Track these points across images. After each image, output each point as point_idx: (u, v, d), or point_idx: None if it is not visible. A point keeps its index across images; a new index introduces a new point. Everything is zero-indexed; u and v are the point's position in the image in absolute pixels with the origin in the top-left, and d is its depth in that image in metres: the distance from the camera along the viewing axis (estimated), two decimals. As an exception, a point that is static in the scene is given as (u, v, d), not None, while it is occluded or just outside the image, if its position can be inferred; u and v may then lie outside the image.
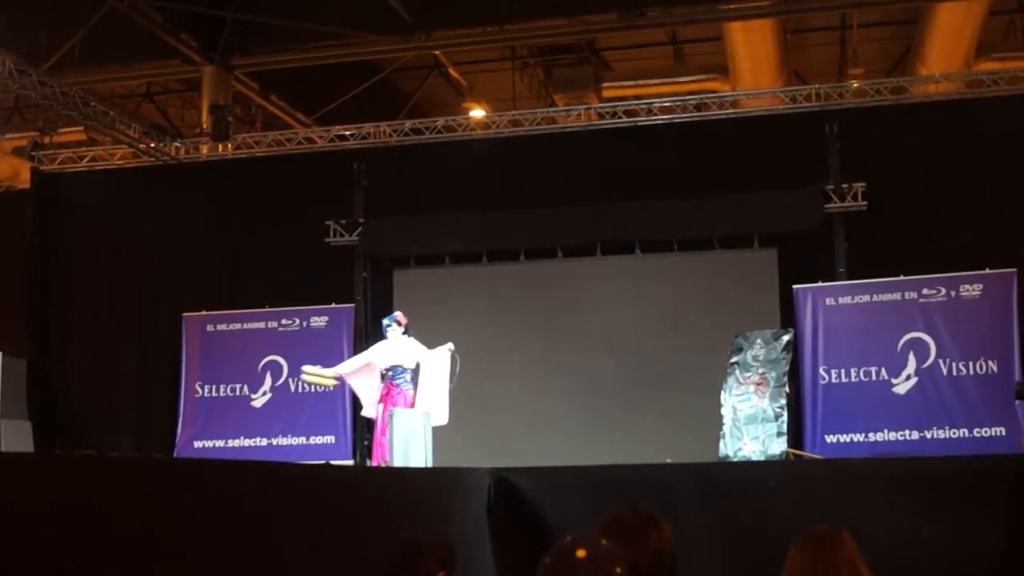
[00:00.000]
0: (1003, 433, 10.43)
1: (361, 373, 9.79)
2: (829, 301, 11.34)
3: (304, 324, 12.59)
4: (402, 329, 9.67)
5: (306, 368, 10.14)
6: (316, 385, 10.85)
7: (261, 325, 12.71)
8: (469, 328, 12.64)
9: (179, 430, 12.63)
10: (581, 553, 2.12)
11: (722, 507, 5.98)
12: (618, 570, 2.10)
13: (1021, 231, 11.28)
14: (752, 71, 13.89)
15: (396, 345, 9.65)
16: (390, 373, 9.60)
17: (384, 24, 12.82)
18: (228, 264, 13.28)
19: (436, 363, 9.56)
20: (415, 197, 12.82)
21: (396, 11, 12.50)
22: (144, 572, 3.49)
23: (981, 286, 10.94)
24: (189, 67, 14.05)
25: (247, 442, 12.49)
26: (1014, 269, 10.90)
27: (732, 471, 7.84)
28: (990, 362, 10.77)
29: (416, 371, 9.63)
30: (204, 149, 13.95)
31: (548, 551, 2.15)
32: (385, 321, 9.87)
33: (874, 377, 11.06)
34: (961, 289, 10.97)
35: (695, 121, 12.57)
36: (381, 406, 9.48)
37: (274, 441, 12.44)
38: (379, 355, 9.73)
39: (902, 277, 11.19)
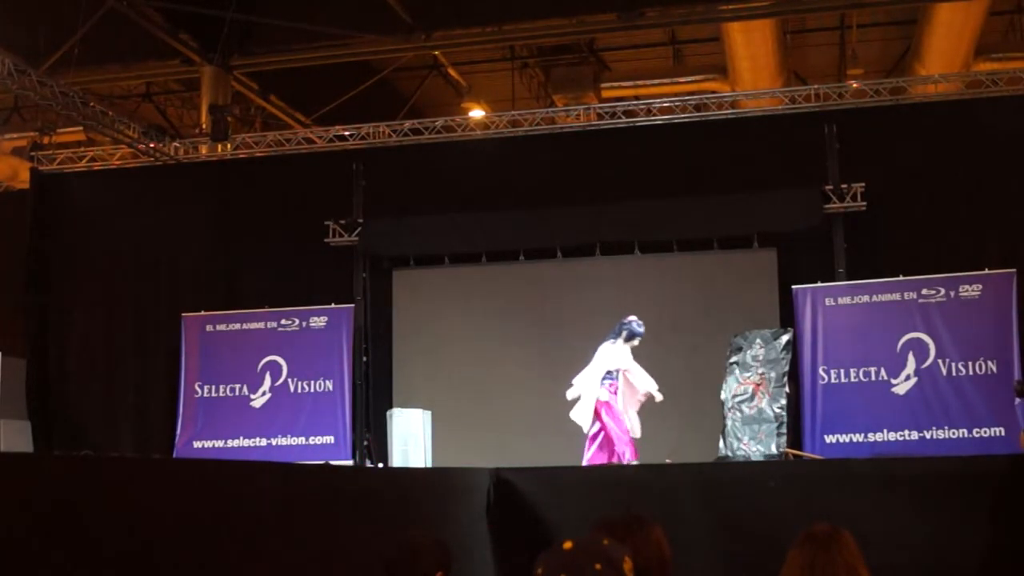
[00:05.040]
0: (1002, 433, 10.42)
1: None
2: (828, 301, 11.33)
3: (303, 324, 12.58)
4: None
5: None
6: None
7: (260, 325, 12.70)
8: (468, 328, 12.67)
9: (178, 430, 12.62)
10: (568, 545, 2.15)
11: (722, 507, 5.98)
12: (597, 566, 2.10)
13: (1021, 231, 11.28)
14: (751, 71, 13.91)
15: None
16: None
17: (384, 24, 12.84)
18: (228, 264, 13.27)
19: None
20: (414, 197, 12.81)
21: (396, 11, 12.51)
22: (144, 572, 3.49)
23: (980, 286, 10.93)
24: (188, 67, 14.08)
25: (246, 442, 12.48)
26: (1013, 269, 10.90)
27: (732, 471, 7.83)
28: (989, 362, 10.76)
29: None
30: (203, 149, 13.95)
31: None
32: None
33: (873, 377, 11.06)
34: (960, 289, 10.96)
35: (694, 121, 12.57)
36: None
37: (273, 441, 12.43)
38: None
39: (901, 277, 11.19)
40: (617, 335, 9.85)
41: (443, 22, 13.16)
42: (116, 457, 7.57)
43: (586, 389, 9.63)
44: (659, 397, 9.73)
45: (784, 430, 10.41)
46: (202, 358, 12.75)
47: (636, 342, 9.85)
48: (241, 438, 12.51)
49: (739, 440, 10.41)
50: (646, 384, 9.75)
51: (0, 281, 13.89)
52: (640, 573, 2.23)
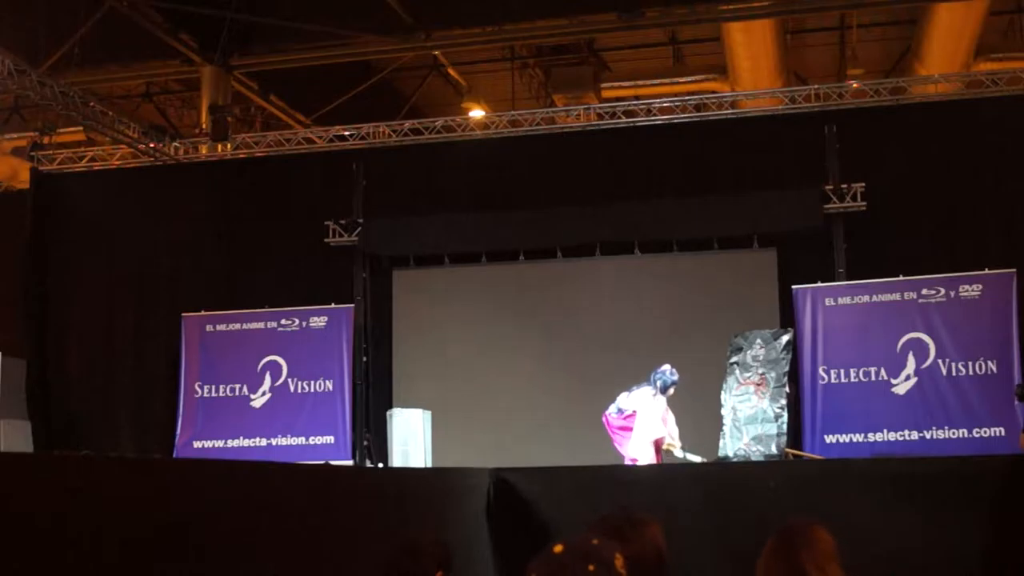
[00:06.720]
0: (1002, 433, 10.42)
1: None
2: (828, 301, 11.33)
3: (303, 324, 12.59)
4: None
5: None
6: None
7: (260, 325, 12.70)
8: (468, 328, 12.67)
9: (179, 430, 12.63)
10: (558, 548, 2.14)
11: (722, 507, 5.98)
12: (590, 568, 2.10)
13: (1021, 231, 11.28)
14: (751, 71, 13.91)
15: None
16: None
17: (384, 24, 12.84)
18: (228, 264, 13.27)
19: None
20: (414, 197, 12.81)
21: (396, 11, 12.51)
22: (143, 572, 3.49)
23: (980, 286, 10.94)
24: (188, 67, 14.07)
25: (246, 442, 12.48)
26: (1013, 269, 10.89)
27: (732, 471, 7.84)
28: (989, 362, 10.76)
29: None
30: (203, 149, 13.95)
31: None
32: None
33: (873, 377, 11.06)
34: (960, 289, 10.97)
35: (695, 121, 12.57)
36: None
37: (273, 441, 12.43)
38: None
39: (901, 277, 11.19)
40: (653, 386, 9.72)
41: (443, 22, 13.16)
42: (116, 457, 7.56)
43: (644, 450, 9.55)
44: (678, 453, 9.78)
45: (784, 430, 10.41)
46: (202, 358, 12.76)
47: (671, 392, 9.78)
48: (241, 438, 12.51)
49: (739, 440, 10.41)
50: (673, 434, 9.76)
51: (0, 281, 13.89)
52: (636, 571, 2.23)
